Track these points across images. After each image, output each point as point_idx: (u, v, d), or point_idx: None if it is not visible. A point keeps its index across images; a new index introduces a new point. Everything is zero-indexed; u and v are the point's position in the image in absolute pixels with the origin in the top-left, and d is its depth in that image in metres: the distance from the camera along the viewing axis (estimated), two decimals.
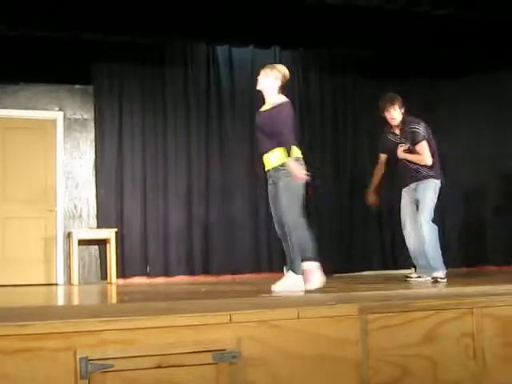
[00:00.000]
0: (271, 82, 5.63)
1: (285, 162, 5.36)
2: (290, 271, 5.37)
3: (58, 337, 2.81)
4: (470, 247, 10.34)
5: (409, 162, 6.72)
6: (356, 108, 10.32)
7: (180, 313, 3.28)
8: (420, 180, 6.70)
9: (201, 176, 9.73)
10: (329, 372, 3.23)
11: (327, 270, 5.61)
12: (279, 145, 5.42)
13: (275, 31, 9.12)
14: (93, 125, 9.51)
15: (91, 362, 2.81)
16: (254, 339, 3.11)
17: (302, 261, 5.32)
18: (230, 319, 3.08)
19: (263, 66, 5.83)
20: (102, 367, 2.82)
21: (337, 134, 10.35)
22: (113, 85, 9.56)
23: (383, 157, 7.08)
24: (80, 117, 9.52)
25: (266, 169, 5.58)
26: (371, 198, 7.05)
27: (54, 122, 9.42)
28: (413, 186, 6.76)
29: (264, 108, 5.69)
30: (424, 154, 6.64)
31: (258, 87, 5.72)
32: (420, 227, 6.52)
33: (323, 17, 8.60)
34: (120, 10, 8.32)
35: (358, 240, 10.12)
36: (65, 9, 8.07)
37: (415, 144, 6.67)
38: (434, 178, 6.68)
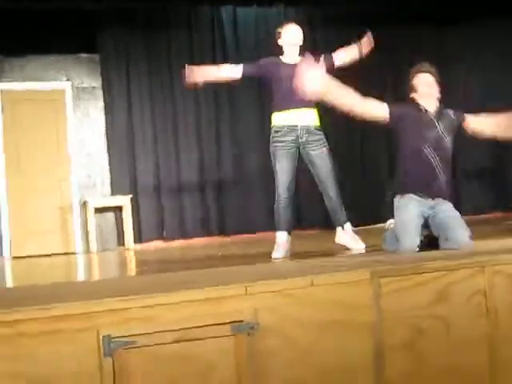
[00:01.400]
0: None
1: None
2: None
3: (81, 317, 2.90)
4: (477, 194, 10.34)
5: None
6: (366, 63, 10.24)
7: (197, 285, 3.37)
8: None
9: (211, 137, 9.77)
10: (344, 336, 3.31)
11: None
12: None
13: None
14: (101, 93, 9.56)
15: (114, 339, 2.90)
16: (271, 309, 3.19)
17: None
18: (246, 291, 3.16)
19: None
20: (124, 344, 2.92)
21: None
22: (119, 51, 9.57)
23: None
24: (88, 85, 9.55)
25: (304, 124, 5.48)
26: None
27: (62, 92, 9.46)
28: None
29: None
30: None
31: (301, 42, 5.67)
32: None
33: None
34: None
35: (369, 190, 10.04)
36: None
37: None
38: None
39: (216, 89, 9.70)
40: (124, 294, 3.16)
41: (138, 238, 9.30)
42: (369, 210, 9.37)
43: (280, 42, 5.67)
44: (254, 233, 9.52)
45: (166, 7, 9.55)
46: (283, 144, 5.45)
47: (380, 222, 7.58)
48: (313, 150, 5.47)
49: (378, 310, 3.38)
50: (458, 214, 4.78)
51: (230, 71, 5.69)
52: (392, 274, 3.46)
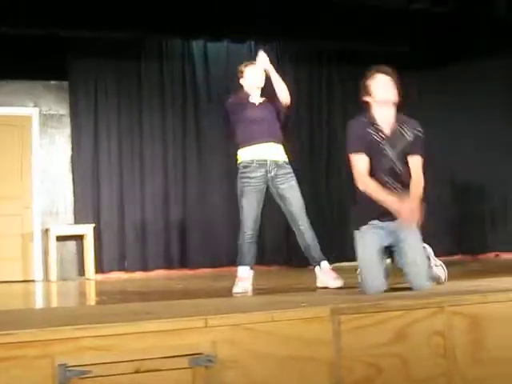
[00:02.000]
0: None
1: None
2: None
3: (37, 345, 2.86)
4: (448, 236, 10.45)
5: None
6: (332, 101, 10.40)
7: (157, 316, 3.35)
8: None
9: (177, 170, 9.80)
10: (302, 373, 3.30)
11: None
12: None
13: (249, 26, 9.17)
14: (69, 120, 9.53)
15: (69, 368, 2.85)
16: (230, 342, 3.17)
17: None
18: (206, 323, 3.14)
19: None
20: (80, 374, 2.87)
21: (312, 127, 10.43)
22: (88, 80, 9.57)
23: None
24: (56, 112, 9.53)
25: (273, 159, 5.51)
26: None
27: (29, 118, 9.43)
28: None
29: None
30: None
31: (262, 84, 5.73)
32: None
33: (297, 10, 8.64)
34: (95, 5, 8.32)
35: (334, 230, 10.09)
36: (40, 5, 8.07)
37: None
38: None
39: (184, 125, 9.76)
40: (81, 322, 3.12)
41: (100, 269, 9.21)
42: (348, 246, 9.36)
43: (242, 81, 5.75)
44: (216, 267, 9.50)
45: (138, 38, 9.58)
46: (252, 180, 5.44)
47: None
48: (282, 184, 5.47)
49: (337, 347, 3.38)
50: (421, 248, 4.55)
51: None
52: (352, 312, 3.46)
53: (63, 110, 9.53)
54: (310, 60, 10.37)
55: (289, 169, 5.54)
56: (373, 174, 4.38)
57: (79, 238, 9.26)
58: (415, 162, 4.47)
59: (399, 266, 4.50)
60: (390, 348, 3.50)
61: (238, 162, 5.56)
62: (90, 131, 9.51)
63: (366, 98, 4.48)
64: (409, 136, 4.45)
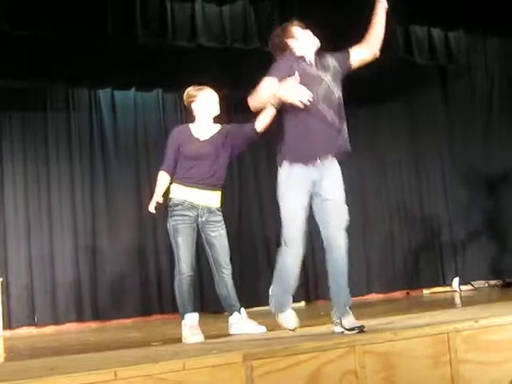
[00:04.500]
0: None
1: None
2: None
3: None
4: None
5: None
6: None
7: (66, 370, 3.26)
8: None
9: (86, 222, 9.61)
10: None
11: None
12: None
13: (156, 74, 9.19)
14: None
15: None
16: None
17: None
18: (116, 375, 3.07)
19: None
20: None
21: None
22: None
23: None
24: None
25: (205, 204, 5.25)
26: None
27: None
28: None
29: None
30: None
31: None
32: None
33: (201, 59, 8.69)
34: None
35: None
36: None
37: None
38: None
39: (92, 174, 9.67)
40: None
41: (8, 324, 8.90)
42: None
43: (194, 106, 5.41)
44: (129, 318, 9.36)
45: (43, 88, 9.45)
46: (184, 218, 5.17)
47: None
48: (212, 231, 5.27)
49: None
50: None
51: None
52: (265, 356, 3.45)
53: None
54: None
55: (220, 216, 5.35)
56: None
57: None
58: (354, 51, 4.54)
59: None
60: None
61: (170, 196, 5.27)
62: None
63: (289, 42, 4.49)
64: (332, 62, 4.50)
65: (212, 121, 5.43)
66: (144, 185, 9.82)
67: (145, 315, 9.50)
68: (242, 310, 5.38)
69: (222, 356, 3.41)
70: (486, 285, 10.15)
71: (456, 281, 10.18)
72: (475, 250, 10.33)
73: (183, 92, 5.54)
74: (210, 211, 5.27)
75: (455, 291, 10.04)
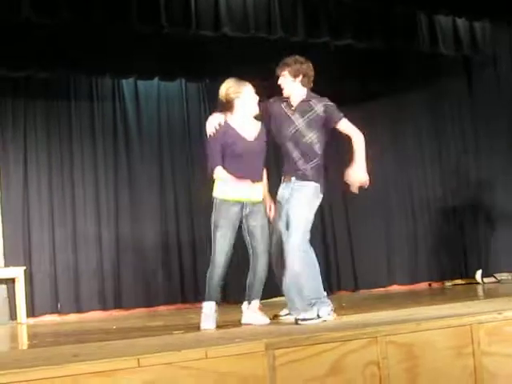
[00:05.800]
0: None
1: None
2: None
3: None
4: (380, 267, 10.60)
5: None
6: None
7: (89, 357, 3.28)
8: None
9: (110, 210, 9.67)
10: None
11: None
12: None
13: (179, 64, 9.18)
14: None
15: None
16: (165, 381, 3.13)
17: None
18: (138, 363, 3.09)
19: None
20: None
21: None
22: (17, 121, 9.40)
23: None
24: None
25: (257, 199, 5.27)
26: None
27: None
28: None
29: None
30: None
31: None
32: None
33: (225, 48, 8.69)
34: (22, 44, 8.21)
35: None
36: None
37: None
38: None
39: (115, 164, 9.70)
40: (11, 367, 3.04)
41: (32, 312, 8.98)
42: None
43: (237, 102, 5.33)
44: (151, 306, 9.41)
45: (67, 77, 9.49)
46: (227, 214, 5.18)
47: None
48: (254, 220, 5.27)
49: (272, 382, 3.36)
50: None
51: None
52: (287, 346, 3.45)
53: None
54: None
55: (262, 207, 5.33)
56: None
57: (10, 281, 9.01)
58: (344, 125, 5.11)
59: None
60: (325, 380, 3.50)
61: (215, 192, 5.28)
62: (19, 172, 9.30)
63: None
64: (318, 109, 5.12)
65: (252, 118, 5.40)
66: (167, 173, 9.87)
67: (167, 304, 9.55)
68: (256, 301, 5.36)
69: (244, 345, 3.41)
70: (510, 277, 10.06)
71: (479, 273, 10.08)
72: (499, 243, 10.23)
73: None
74: (253, 204, 5.28)
75: (478, 283, 9.96)
